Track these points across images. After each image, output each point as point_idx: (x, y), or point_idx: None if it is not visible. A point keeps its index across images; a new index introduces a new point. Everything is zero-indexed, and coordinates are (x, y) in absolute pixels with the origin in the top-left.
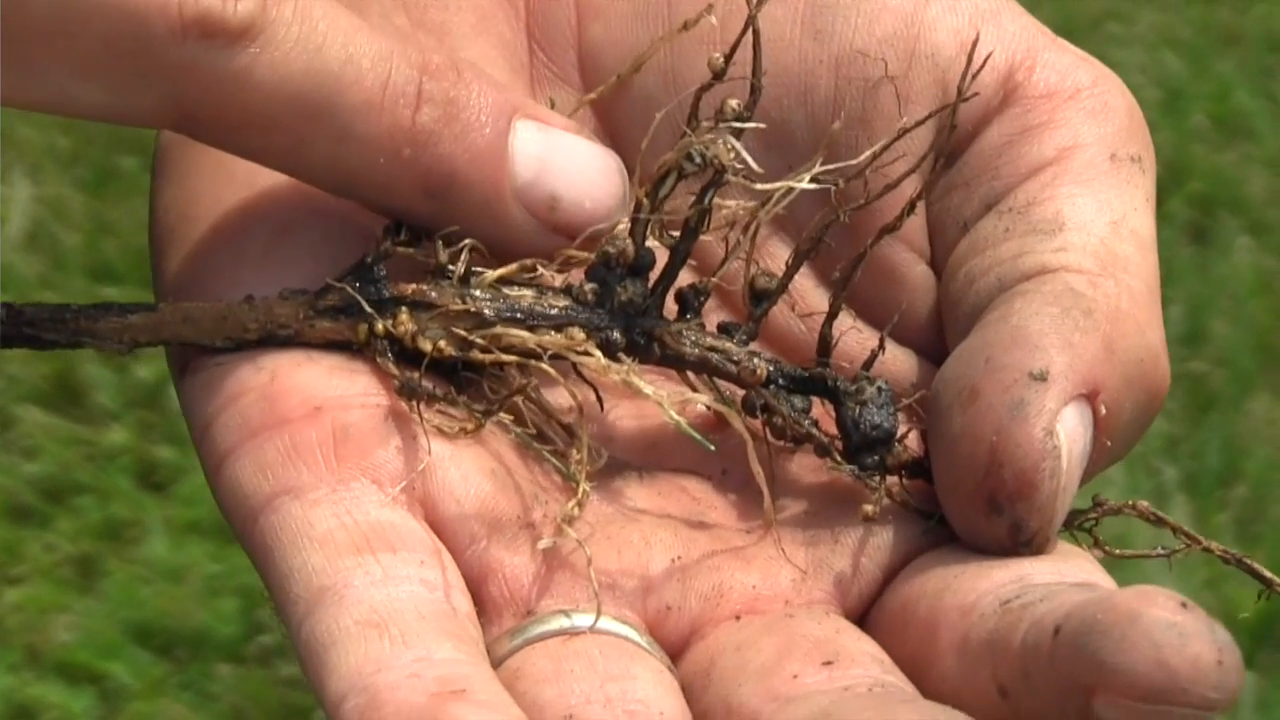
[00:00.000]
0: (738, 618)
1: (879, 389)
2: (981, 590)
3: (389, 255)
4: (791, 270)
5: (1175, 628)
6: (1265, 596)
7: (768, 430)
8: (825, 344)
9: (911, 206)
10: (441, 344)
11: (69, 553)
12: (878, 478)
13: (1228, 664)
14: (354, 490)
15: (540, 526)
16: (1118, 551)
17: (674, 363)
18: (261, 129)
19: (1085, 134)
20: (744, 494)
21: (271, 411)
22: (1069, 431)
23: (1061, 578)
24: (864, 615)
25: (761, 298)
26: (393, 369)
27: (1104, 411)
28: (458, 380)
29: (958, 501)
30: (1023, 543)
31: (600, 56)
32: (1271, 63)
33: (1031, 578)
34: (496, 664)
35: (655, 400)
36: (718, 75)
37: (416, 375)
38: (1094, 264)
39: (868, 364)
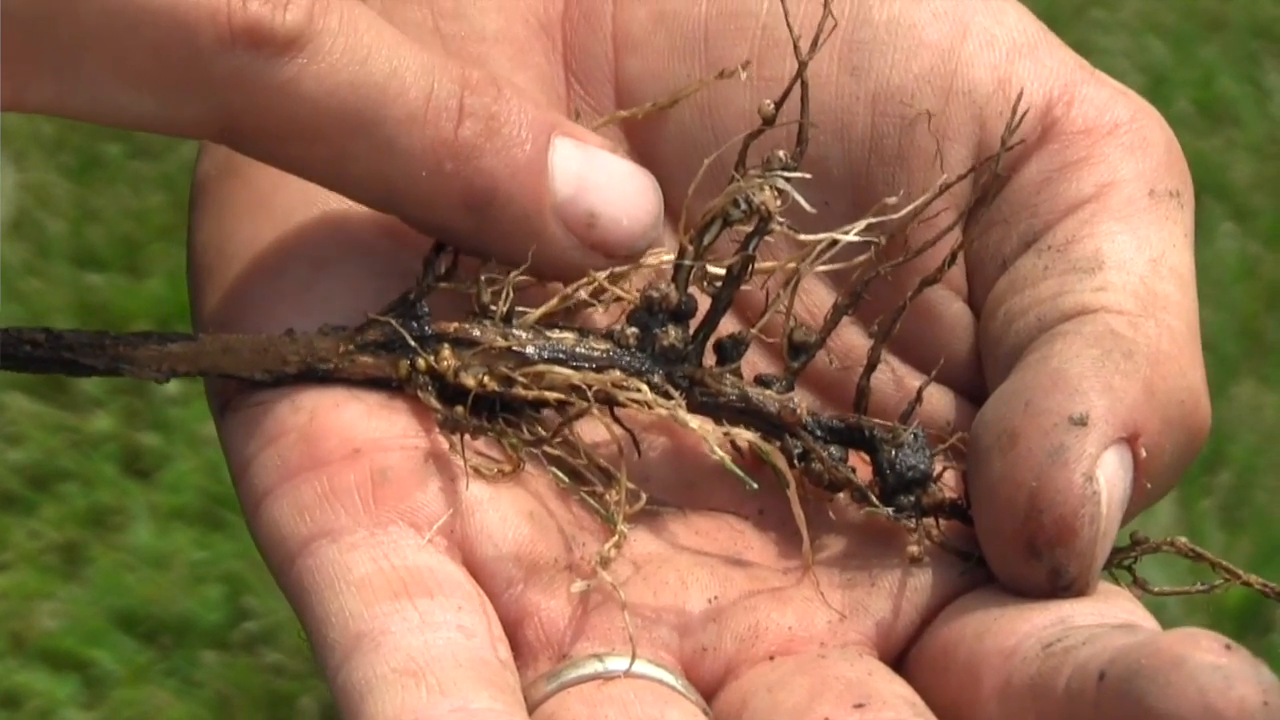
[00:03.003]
0: (772, 658)
1: (915, 434)
2: (1022, 633)
3: (431, 291)
4: (830, 324)
5: (1220, 670)
6: None
7: (805, 476)
8: (862, 396)
9: (953, 258)
10: (485, 380)
11: (53, 540)
12: (915, 519)
13: (1273, 705)
14: (392, 534)
15: (578, 569)
16: (1157, 590)
17: (713, 408)
18: (306, 140)
19: (1124, 170)
20: (781, 534)
21: (310, 453)
22: (1109, 476)
23: (1103, 619)
24: (901, 658)
25: (800, 351)
26: (435, 404)
27: (1144, 454)
28: (496, 424)
29: (997, 545)
30: (1062, 587)
31: (637, 90)
32: (1256, 49)
33: (1073, 620)
34: (532, 708)
35: (701, 434)
36: (768, 122)
37: (460, 409)
38: (1134, 304)
39: (905, 416)
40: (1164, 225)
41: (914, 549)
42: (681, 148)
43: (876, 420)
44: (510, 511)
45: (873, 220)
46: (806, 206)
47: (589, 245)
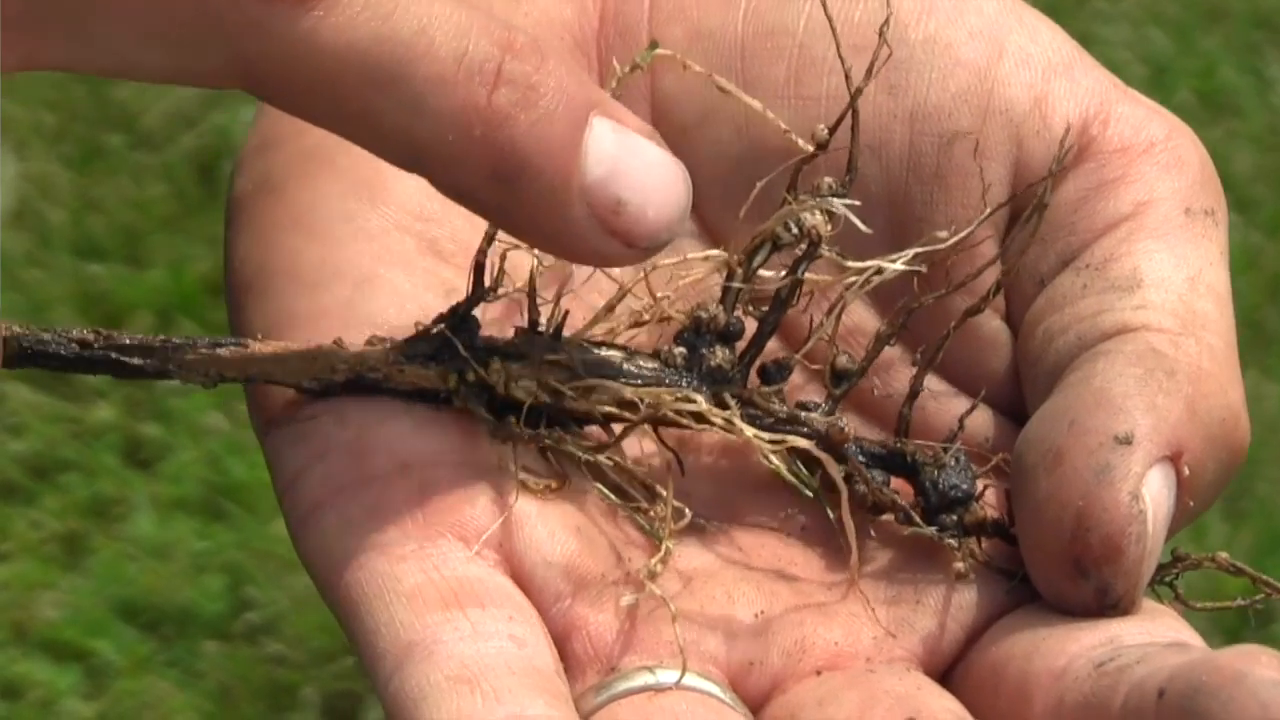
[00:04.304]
0: (819, 673)
1: (956, 456)
2: (1072, 653)
3: (479, 303)
4: (873, 353)
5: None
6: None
7: (850, 499)
8: (905, 424)
9: (997, 288)
10: (536, 392)
11: (55, 530)
12: (958, 538)
13: None
14: (441, 547)
15: (625, 584)
16: (1199, 605)
17: (761, 429)
18: (328, 95)
19: (1160, 189)
20: (825, 551)
21: (358, 469)
22: (1154, 495)
23: (1152, 638)
24: (946, 676)
25: (843, 378)
26: (484, 414)
27: (1187, 473)
28: (553, 431)
29: (1043, 564)
30: (1109, 605)
31: (672, 108)
32: (1257, 39)
33: (1122, 639)
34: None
35: (756, 444)
36: (821, 146)
37: (513, 420)
38: (1174, 323)
39: (949, 439)
40: (1200, 243)
41: (959, 565)
42: (717, 165)
43: (918, 442)
44: (558, 526)
45: (920, 250)
46: (863, 228)
47: (611, 231)
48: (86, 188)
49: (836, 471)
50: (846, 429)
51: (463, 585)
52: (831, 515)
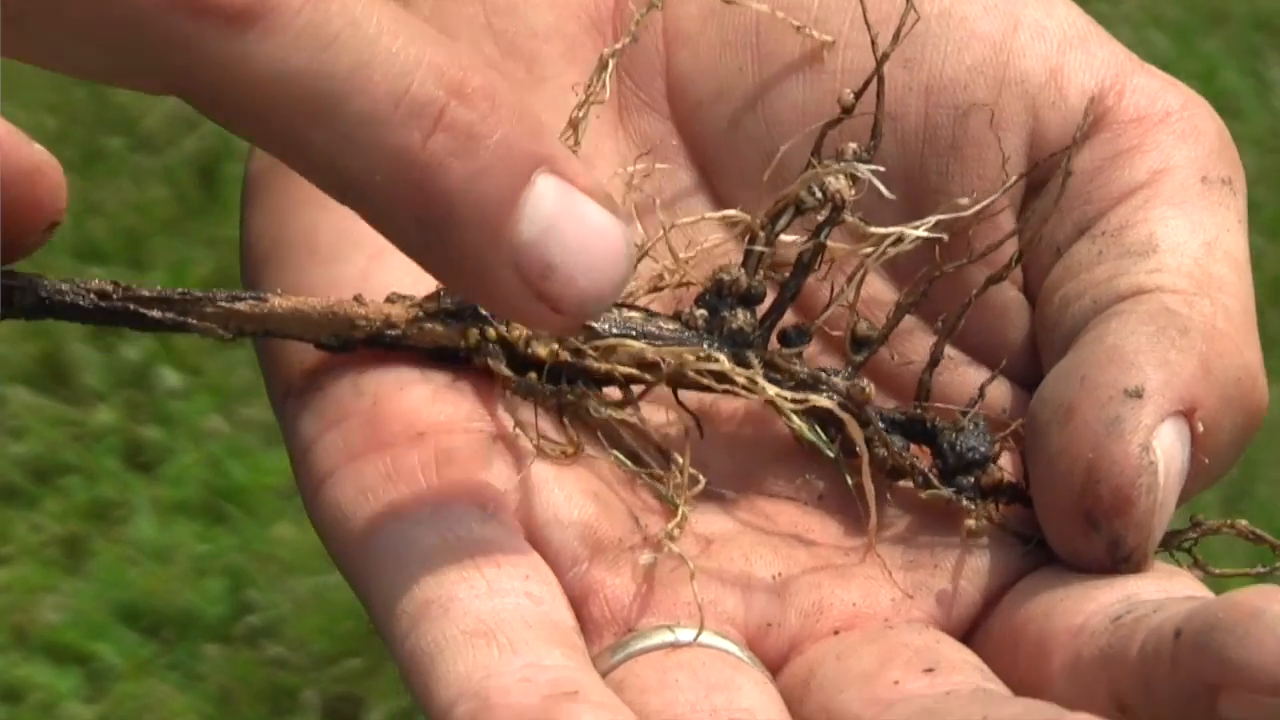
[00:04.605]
0: (837, 633)
1: (975, 421)
2: (1089, 611)
3: None
4: (893, 322)
5: None
6: None
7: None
8: (925, 391)
9: (1019, 257)
10: (556, 348)
11: (56, 533)
12: (974, 499)
13: None
14: (456, 511)
15: (642, 548)
16: (1217, 571)
17: (781, 388)
18: (259, 118)
19: (1176, 157)
20: (842, 517)
21: (374, 436)
22: (1165, 448)
23: (1168, 594)
24: (965, 639)
25: (863, 345)
26: (505, 370)
27: (1201, 429)
28: (574, 387)
29: (1056, 519)
30: (1121, 559)
31: (688, 84)
32: (1258, 42)
33: (1139, 595)
34: (601, 678)
35: (778, 403)
36: (847, 111)
37: (533, 375)
38: (1189, 284)
39: (969, 405)
40: (1217, 210)
41: (971, 522)
42: (733, 139)
43: (939, 405)
44: (575, 491)
45: (942, 217)
46: (886, 193)
47: (537, 294)
48: (87, 191)
49: (858, 432)
50: (868, 389)
51: (479, 546)
52: (850, 481)
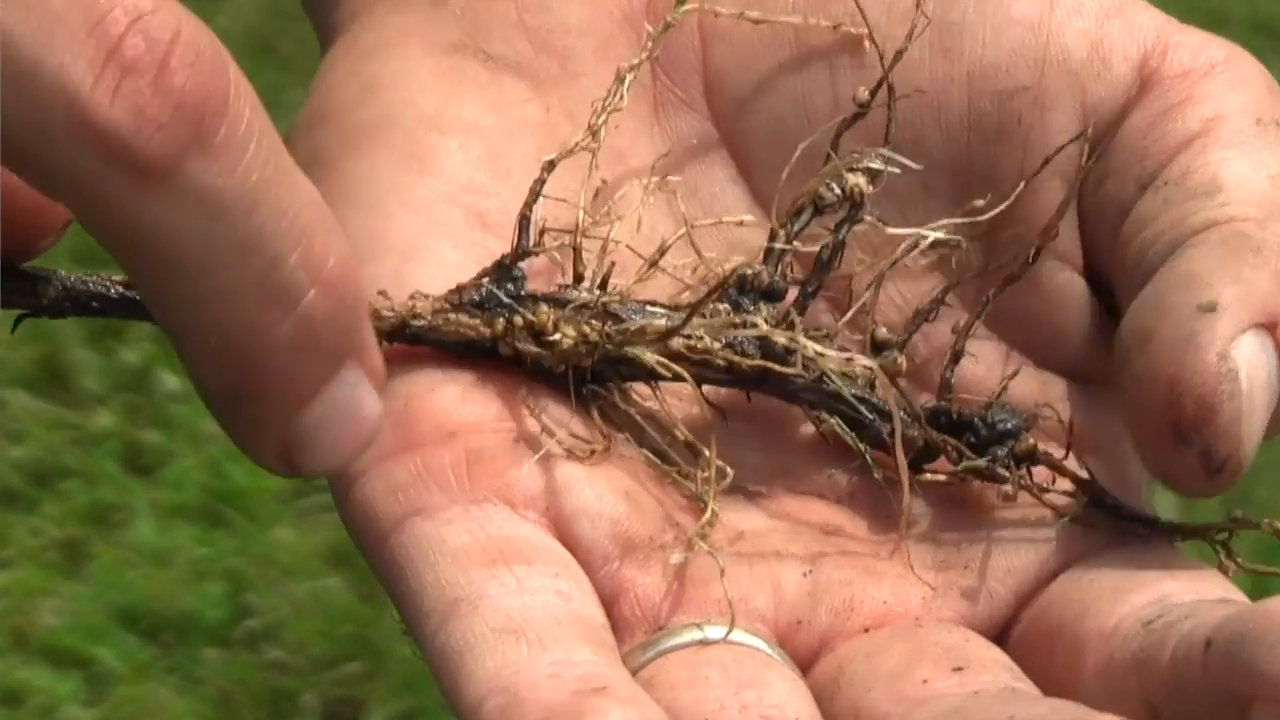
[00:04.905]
0: (867, 630)
1: (1002, 402)
2: (1122, 613)
3: (526, 256)
4: (912, 329)
5: None
6: None
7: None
8: (947, 385)
9: (1035, 254)
10: (586, 330)
11: (55, 537)
12: (1009, 467)
13: None
14: (486, 510)
15: (673, 547)
16: (1250, 566)
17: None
18: (128, 255)
19: (1228, 104)
20: (873, 516)
21: (404, 436)
22: (1247, 358)
23: (1200, 597)
24: (998, 640)
25: (882, 349)
26: (535, 349)
27: None
28: (583, 399)
29: (1148, 440)
30: (1215, 469)
31: (726, 81)
32: (1258, 45)
33: (1171, 598)
34: (630, 675)
35: (820, 362)
36: (863, 108)
37: (567, 340)
38: (1259, 211)
39: (994, 398)
40: (1275, 149)
41: (1007, 488)
42: (774, 135)
43: (963, 396)
44: (606, 490)
45: (959, 220)
46: (912, 165)
47: (287, 459)
48: None
49: (894, 397)
50: (900, 362)
51: (509, 544)
52: (877, 474)
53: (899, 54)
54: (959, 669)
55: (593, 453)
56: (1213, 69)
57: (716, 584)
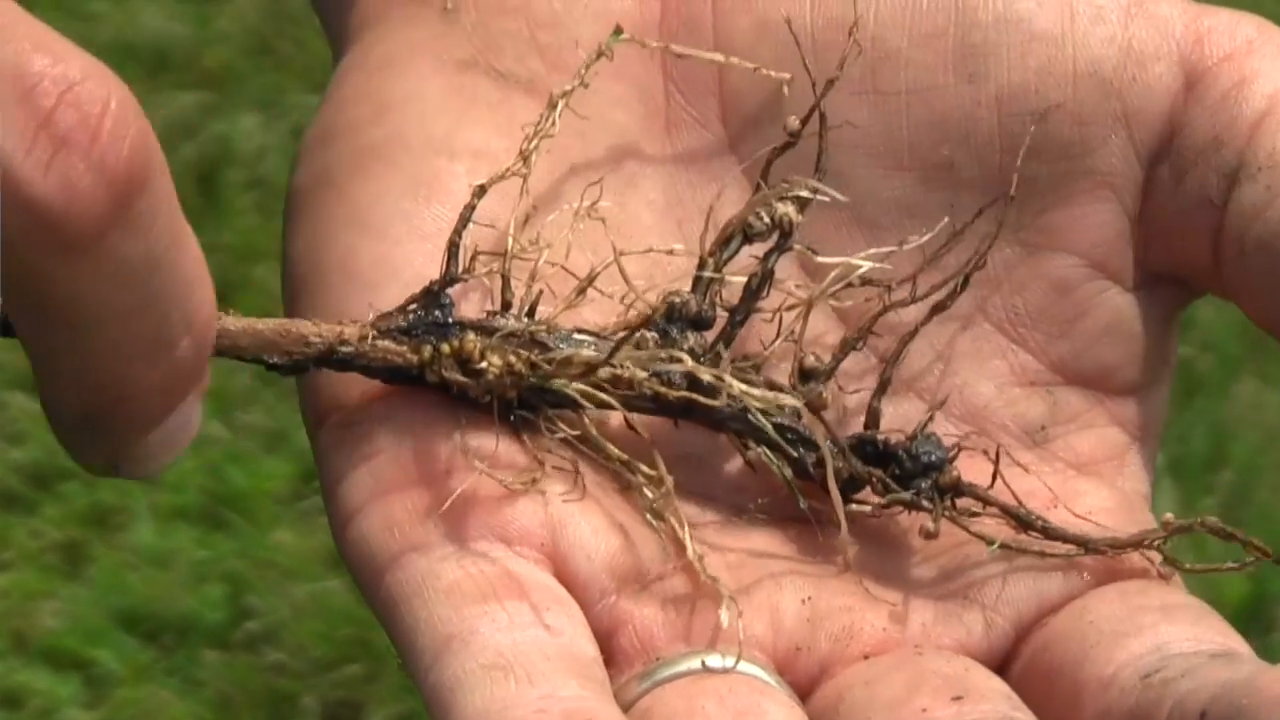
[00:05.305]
0: (867, 658)
1: (927, 433)
2: (1120, 662)
3: (454, 283)
4: (839, 358)
5: None
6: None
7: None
8: (875, 417)
9: (965, 282)
10: (511, 360)
11: (55, 539)
12: (933, 500)
13: None
14: (482, 546)
15: (670, 578)
16: (1187, 566)
17: (737, 406)
18: (32, 315)
19: None
20: (873, 541)
21: (402, 472)
22: None
23: (1199, 645)
24: (999, 668)
25: (810, 378)
26: (461, 378)
27: None
28: (514, 426)
29: None
30: None
31: (743, 101)
32: None
33: (1169, 647)
34: (626, 707)
35: (744, 397)
36: (793, 136)
37: (493, 369)
38: None
39: (919, 428)
40: None
41: (930, 525)
42: (788, 159)
43: (888, 432)
44: (602, 524)
45: (883, 251)
46: (838, 196)
47: (112, 467)
48: None
49: (821, 433)
50: (826, 395)
51: (502, 580)
52: (803, 504)
53: (830, 83)
54: (958, 698)
55: (532, 480)
56: (1251, 45)
57: (714, 613)
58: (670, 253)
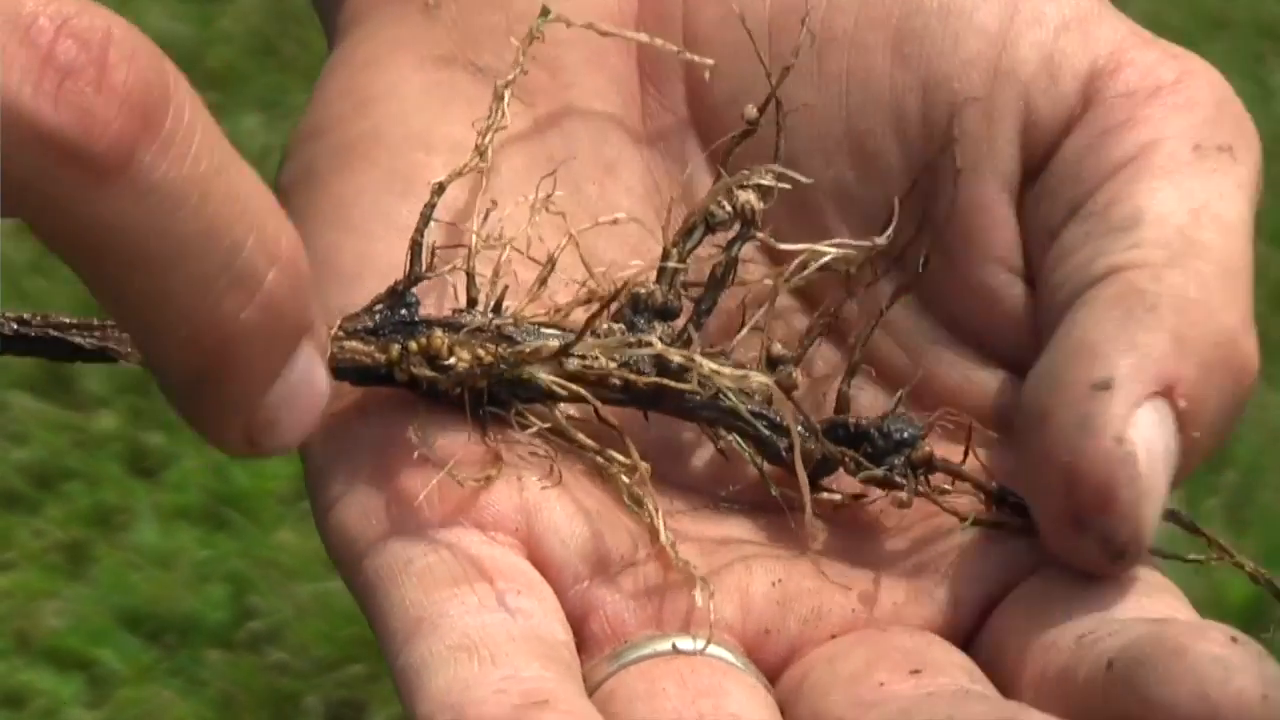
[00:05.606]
0: (834, 638)
1: (899, 413)
2: (1063, 627)
3: (419, 281)
4: (806, 345)
5: (1220, 661)
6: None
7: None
8: (844, 401)
9: (925, 262)
10: (480, 353)
11: (58, 539)
12: (906, 474)
13: (1273, 699)
14: (456, 532)
15: (642, 564)
16: (1163, 552)
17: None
18: (88, 259)
19: (1167, 129)
20: (838, 524)
21: (381, 462)
22: (1144, 435)
23: (1143, 613)
24: (967, 644)
25: (776, 365)
26: (430, 373)
27: (1184, 405)
28: (483, 420)
29: (1048, 525)
30: (1117, 555)
31: (704, 89)
32: (1261, 48)
33: (1114, 614)
34: (593, 689)
35: (714, 377)
36: (752, 124)
37: (460, 363)
38: (1162, 255)
39: (892, 408)
40: (1210, 177)
41: (903, 495)
42: (752, 139)
43: (861, 417)
44: (577, 510)
45: (849, 242)
46: (802, 179)
47: (250, 440)
48: None
49: (790, 412)
50: (796, 376)
51: (474, 565)
52: (774, 491)
53: (786, 70)
54: (916, 671)
55: (488, 478)
56: (1158, 91)
57: (685, 597)
58: (614, 222)
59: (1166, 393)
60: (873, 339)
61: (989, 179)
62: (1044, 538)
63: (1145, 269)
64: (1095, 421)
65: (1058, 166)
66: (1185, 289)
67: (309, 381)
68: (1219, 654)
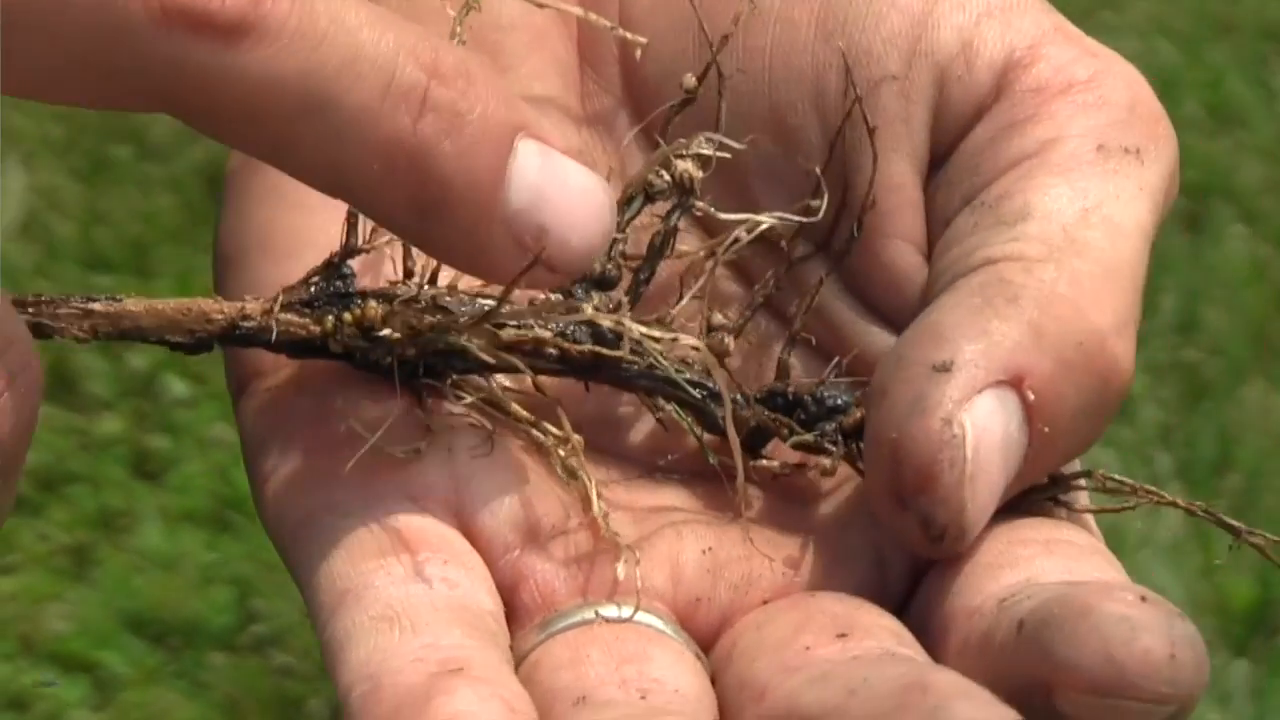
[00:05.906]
0: (765, 603)
1: (835, 380)
2: (988, 592)
3: (355, 254)
4: (747, 317)
5: (1126, 621)
6: (1235, 546)
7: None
8: (784, 369)
9: (850, 244)
10: (414, 323)
11: (62, 542)
12: (837, 441)
13: (1181, 658)
14: (386, 504)
15: (573, 534)
16: (1080, 508)
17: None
18: (250, 123)
19: (1072, 127)
20: (774, 492)
21: (314, 434)
22: (979, 420)
23: (1069, 576)
24: (900, 609)
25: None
26: (362, 343)
27: (1033, 397)
28: (417, 391)
29: (875, 502)
30: (935, 537)
31: (638, 70)
32: (1265, 51)
33: (1038, 578)
34: (520, 659)
35: (647, 342)
36: (691, 93)
37: (392, 334)
38: (1039, 250)
39: (826, 375)
40: (1109, 178)
41: (826, 461)
42: (687, 112)
43: (796, 382)
44: (508, 481)
45: (786, 216)
46: (738, 146)
47: (534, 253)
48: (94, 200)
49: (722, 377)
50: (728, 343)
51: (402, 535)
52: (713, 460)
53: (725, 39)
54: (843, 635)
55: (416, 451)
56: (1068, 89)
57: (614, 565)
58: None
59: (1015, 383)
60: (794, 311)
61: (904, 159)
62: (876, 514)
63: (1019, 262)
64: (926, 402)
65: (960, 156)
66: (1055, 284)
67: (558, 178)
68: (1125, 613)
